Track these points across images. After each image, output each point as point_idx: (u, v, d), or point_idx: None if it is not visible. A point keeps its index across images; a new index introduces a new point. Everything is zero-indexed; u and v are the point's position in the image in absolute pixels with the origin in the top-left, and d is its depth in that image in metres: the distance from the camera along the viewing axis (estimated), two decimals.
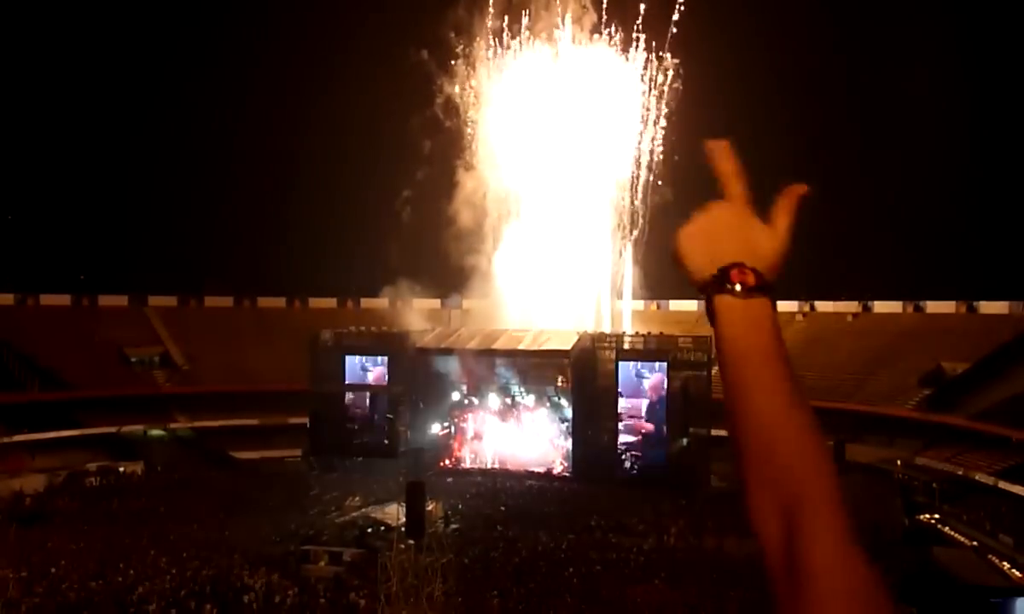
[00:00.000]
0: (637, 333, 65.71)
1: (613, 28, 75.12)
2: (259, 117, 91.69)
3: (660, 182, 74.71)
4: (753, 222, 1.99)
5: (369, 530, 44.89)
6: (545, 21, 75.99)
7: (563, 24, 75.92)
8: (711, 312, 1.95)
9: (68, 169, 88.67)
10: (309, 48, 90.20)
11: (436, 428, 66.65)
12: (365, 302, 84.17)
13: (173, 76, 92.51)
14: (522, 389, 66.23)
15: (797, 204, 2.01)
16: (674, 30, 73.40)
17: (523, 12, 75.76)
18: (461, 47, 75.40)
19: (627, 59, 75.26)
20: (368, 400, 69.10)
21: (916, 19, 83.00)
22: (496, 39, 76.05)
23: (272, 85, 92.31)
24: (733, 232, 1.98)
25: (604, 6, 74.93)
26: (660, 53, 74.48)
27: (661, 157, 74.92)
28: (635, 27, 74.48)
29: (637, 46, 74.75)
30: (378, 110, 77.16)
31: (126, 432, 68.88)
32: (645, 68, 74.95)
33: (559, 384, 65.51)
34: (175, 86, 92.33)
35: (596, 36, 75.60)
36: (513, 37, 76.24)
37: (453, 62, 75.28)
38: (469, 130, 75.79)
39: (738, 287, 1.92)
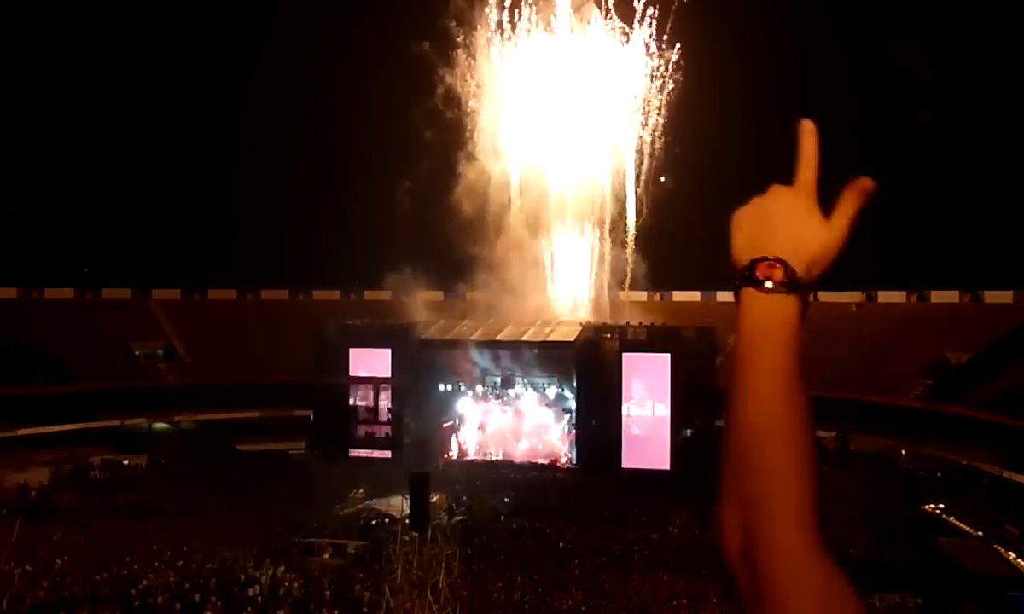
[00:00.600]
0: (641, 324, 65.61)
1: (613, 17, 75.08)
2: (261, 109, 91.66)
3: (663, 177, 74.57)
4: (810, 213, 1.95)
5: (373, 522, 44.92)
6: (545, 11, 75.87)
7: (558, 16, 75.83)
8: (736, 301, 1.92)
9: (71, 162, 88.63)
10: (311, 39, 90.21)
11: (440, 420, 66.64)
12: (369, 294, 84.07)
13: (173, 68, 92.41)
14: (526, 380, 66.19)
15: (862, 199, 1.97)
16: (670, 23, 73.40)
17: (523, 2, 75.66)
18: (462, 38, 75.28)
19: (625, 44, 75.21)
20: (372, 392, 69.05)
21: (920, 4, 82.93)
22: (497, 29, 75.96)
23: (274, 77, 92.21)
24: (783, 222, 1.96)
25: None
26: (660, 43, 74.46)
27: (662, 147, 74.83)
28: (635, 18, 74.43)
29: (636, 34, 74.72)
30: (380, 101, 77.17)
31: (130, 425, 68.97)
32: (647, 56, 74.90)
33: (563, 375, 65.49)
34: (175, 78, 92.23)
35: (596, 25, 75.49)
36: (513, 27, 76.14)
37: (453, 52, 75.15)
38: (470, 120, 75.65)
39: (768, 283, 1.88)
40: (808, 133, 2.01)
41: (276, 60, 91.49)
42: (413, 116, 70.64)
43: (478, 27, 75.37)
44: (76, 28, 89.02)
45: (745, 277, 1.91)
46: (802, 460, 1.73)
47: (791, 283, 1.88)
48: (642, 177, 75.56)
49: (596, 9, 75.10)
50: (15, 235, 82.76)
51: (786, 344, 1.84)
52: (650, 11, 73.92)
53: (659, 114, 75.06)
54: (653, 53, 74.75)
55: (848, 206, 1.95)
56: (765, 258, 1.90)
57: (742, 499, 1.73)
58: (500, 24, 75.65)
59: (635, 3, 74.32)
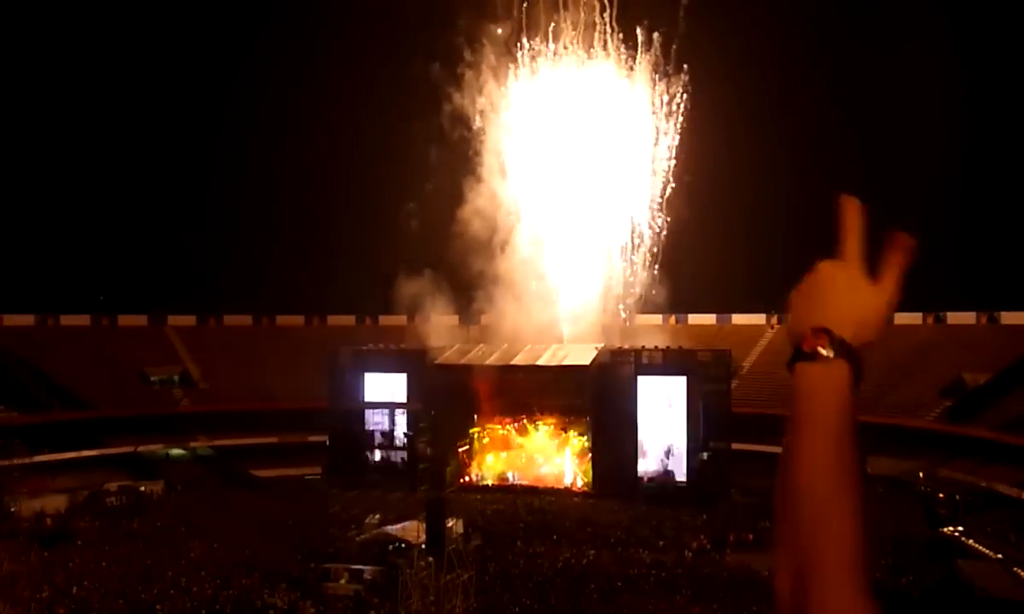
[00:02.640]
0: (656, 347, 65.51)
1: (621, 45, 75.30)
2: (276, 138, 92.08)
3: (671, 187, 74.58)
4: (857, 280, 2.01)
5: (390, 547, 44.82)
6: (554, 37, 76.16)
7: (570, 41, 76.05)
8: (792, 373, 1.97)
9: (88, 190, 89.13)
10: (326, 66, 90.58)
11: (456, 444, 66.58)
12: (383, 319, 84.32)
13: (188, 97, 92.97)
14: (542, 404, 66.07)
15: (906, 257, 2.04)
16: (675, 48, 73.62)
17: (531, 28, 75.99)
18: (471, 57, 75.41)
19: (633, 70, 75.39)
20: (387, 417, 69.05)
21: (933, 23, 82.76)
22: (508, 55, 76.21)
23: (289, 106, 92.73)
24: (831, 293, 2.00)
25: (611, 21, 75.09)
26: (670, 68, 74.61)
27: (674, 172, 74.87)
28: (642, 45, 74.69)
29: (641, 60, 74.92)
30: (392, 127, 77.28)
31: (146, 451, 69.09)
32: (656, 83, 75.05)
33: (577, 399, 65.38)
34: (191, 106, 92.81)
35: (604, 53, 75.73)
36: (522, 53, 76.41)
37: (462, 72, 75.25)
38: (481, 145, 75.74)
39: (822, 351, 1.93)
40: (851, 207, 2.05)
41: (291, 90, 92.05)
42: (426, 141, 70.89)
43: (487, 47, 75.56)
44: (91, 58, 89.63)
45: (796, 351, 1.97)
46: (850, 514, 1.80)
47: (839, 349, 1.94)
48: (656, 201, 75.59)
49: (606, 34, 75.29)
50: (31, 262, 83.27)
51: (838, 410, 1.92)
52: (658, 36, 74.14)
53: (670, 139, 75.18)
54: (663, 78, 74.94)
55: (894, 266, 2.03)
56: (812, 330, 1.96)
57: (793, 547, 1.79)
58: (509, 47, 75.97)
59: (640, 29, 74.58)
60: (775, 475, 1.91)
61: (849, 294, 1.99)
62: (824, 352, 1.93)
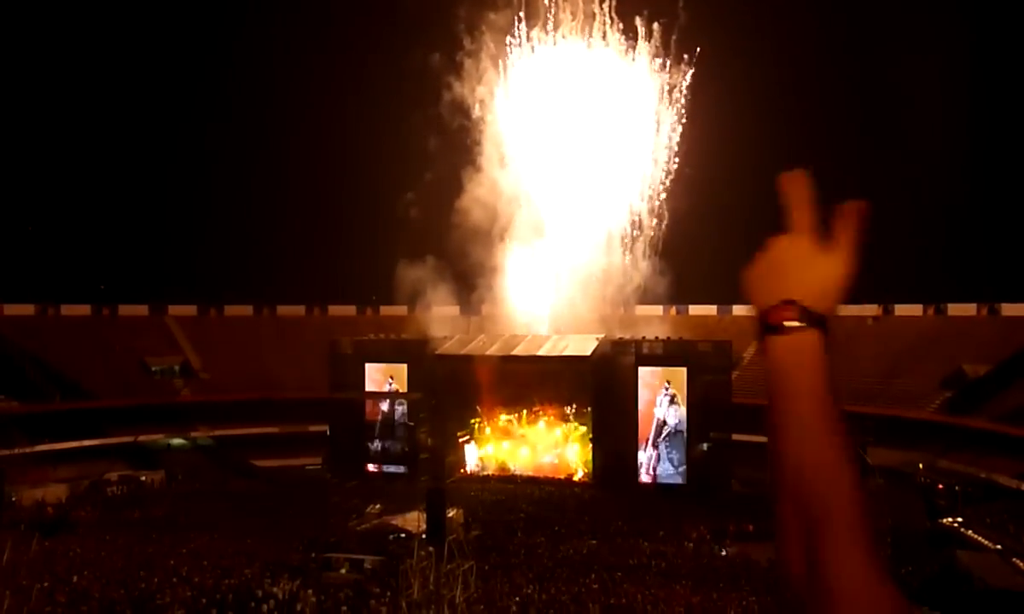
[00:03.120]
0: (656, 338, 65.51)
1: (621, 36, 75.13)
2: (278, 127, 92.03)
3: (670, 178, 74.49)
4: (811, 250, 2.03)
5: (390, 537, 44.88)
6: (553, 26, 76.02)
7: (569, 31, 75.87)
8: (764, 351, 2.01)
9: (88, 179, 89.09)
10: (327, 57, 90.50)
11: (456, 434, 66.63)
12: (384, 309, 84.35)
13: (191, 87, 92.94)
14: (542, 394, 66.12)
15: (858, 222, 2.04)
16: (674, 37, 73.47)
17: (530, 17, 75.88)
18: (471, 44, 75.25)
19: (634, 59, 75.20)
20: (388, 407, 69.12)
21: (934, 19, 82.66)
22: (508, 41, 76.08)
23: (290, 95, 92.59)
24: (787, 266, 2.05)
25: (611, 11, 74.95)
26: (672, 58, 74.48)
27: (674, 162, 74.74)
28: (644, 33, 74.51)
29: (641, 47, 74.75)
30: (393, 117, 77.20)
31: (147, 441, 69.15)
32: (656, 73, 74.89)
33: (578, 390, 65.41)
34: (192, 96, 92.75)
35: (604, 43, 75.58)
36: (523, 39, 76.28)
37: (461, 60, 75.10)
38: (481, 134, 75.64)
39: (786, 323, 1.98)
40: (796, 180, 2.07)
41: (292, 79, 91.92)
42: (421, 127, 70.82)
43: (486, 35, 75.42)
44: (92, 49, 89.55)
45: (764, 326, 2.01)
46: (848, 471, 1.86)
47: (806, 317, 1.98)
48: (655, 190, 75.49)
49: (606, 24, 75.10)
50: (32, 252, 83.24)
51: (814, 370, 1.95)
52: (659, 25, 74.00)
53: (671, 129, 75.05)
54: (663, 68, 74.80)
55: (845, 233, 2.03)
56: (777, 304, 2.01)
57: (799, 519, 1.84)
58: (509, 36, 75.87)
59: (640, 20, 74.40)
60: (767, 455, 1.95)
61: (806, 265, 2.02)
62: (792, 323, 1.97)
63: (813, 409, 1.91)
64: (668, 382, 62.62)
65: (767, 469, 1.95)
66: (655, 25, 73.96)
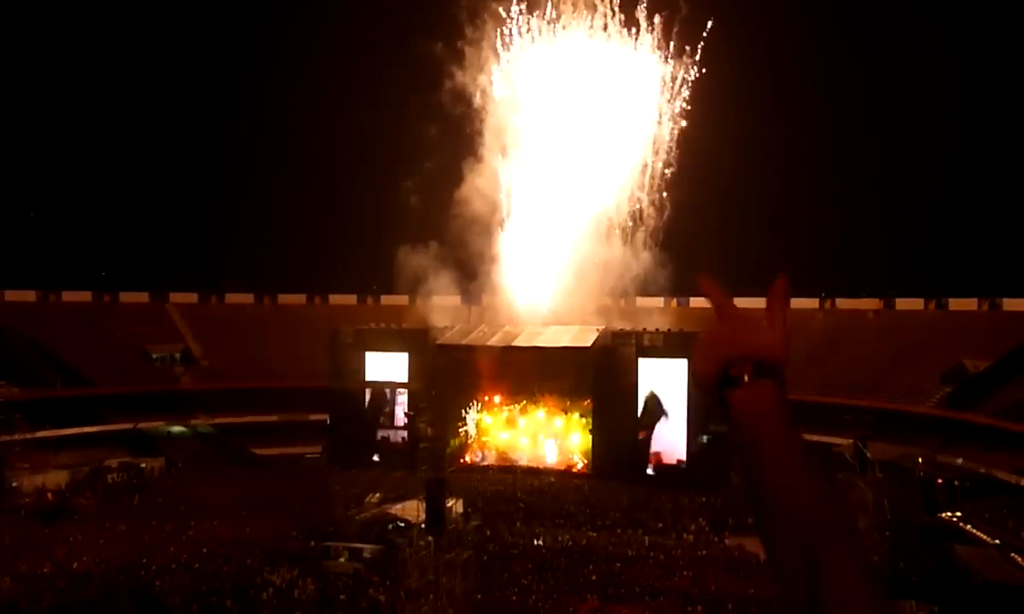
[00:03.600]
0: (657, 330, 65.48)
1: (624, 23, 74.96)
2: (280, 116, 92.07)
3: (671, 169, 74.36)
4: (748, 323, 2.31)
5: (389, 526, 44.91)
6: (556, 13, 75.87)
7: (573, 18, 75.70)
8: (724, 407, 2.26)
9: (89, 167, 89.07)
10: (327, 45, 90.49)
11: (456, 425, 66.69)
12: (385, 299, 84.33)
13: (190, 74, 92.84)
14: (542, 385, 66.12)
15: (782, 296, 2.35)
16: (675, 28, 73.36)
17: (531, 7, 75.77)
18: (472, 32, 75.09)
19: (635, 50, 75.03)
20: (388, 396, 69.16)
21: (932, 11, 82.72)
22: (508, 29, 75.92)
23: (292, 84, 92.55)
24: (733, 337, 2.31)
25: (611, 2, 74.78)
26: (667, 53, 74.35)
27: (676, 154, 74.60)
28: (646, 25, 74.34)
29: (643, 38, 74.64)
30: (394, 105, 77.08)
31: (147, 428, 69.18)
32: (663, 62, 74.77)
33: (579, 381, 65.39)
34: (192, 84, 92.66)
35: (605, 34, 75.46)
36: (524, 29, 76.14)
37: (462, 48, 74.89)
38: (482, 123, 75.50)
39: (744, 378, 2.24)
40: (708, 287, 2.37)
41: (293, 66, 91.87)
42: (422, 116, 70.66)
43: (488, 23, 75.24)
44: (93, 36, 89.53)
45: (723, 382, 2.27)
46: (835, 502, 2.05)
47: (761, 369, 2.24)
48: (656, 181, 75.36)
49: (607, 16, 74.92)
50: (33, 239, 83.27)
51: (780, 414, 2.20)
52: (660, 18, 73.83)
53: (672, 121, 74.96)
54: (664, 60, 74.65)
55: (773, 307, 2.32)
56: (733, 360, 2.26)
57: (797, 554, 1.99)
58: (510, 24, 75.73)
59: (641, 11, 74.23)
60: (749, 499, 2.16)
61: (747, 332, 2.29)
62: (747, 377, 2.23)
63: (783, 446, 2.13)
64: None
65: (752, 511, 2.15)
66: (656, 17, 73.87)
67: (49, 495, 54.54)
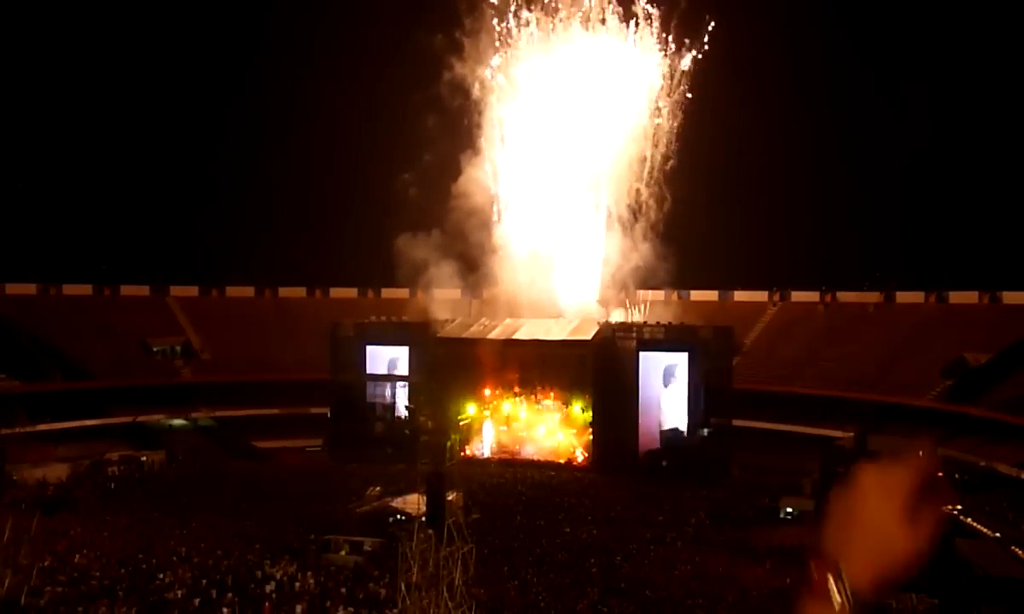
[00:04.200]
0: (658, 323, 65.49)
1: (623, 17, 74.80)
2: (281, 109, 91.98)
3: (671, 162, 74.24)
4: (895, 514, 1.98)
5: (390, 520, 44.92)
6: (556, 6, 75.72)
7: (571, 12, 75.52)
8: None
9: (90, 159, 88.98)
10: (328, 37, 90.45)
11: (457, 417, 66.64)
12: (386, 292, 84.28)
13: (190, 69, 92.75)
14: (543, 378, 66.05)
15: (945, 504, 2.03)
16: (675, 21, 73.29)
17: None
18: (472, 24, 74.94)
19: (636, 43, 74.88)
20: (389, 390, 69.17)
21: (931, 10, 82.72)
22: (506, 22, 75.75)
23: (291, 79, 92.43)
24: (862, 522, 1.98)
25: None
26: (667, 47, 74.22)
27: (676, 147, 74.45)
28: (644, 17, 74.21)
29: (643, 31, 74.48)
30: (393, 98, 77.00)
31: (148, 421, 69.23)
32: (663, 56, 74.62)
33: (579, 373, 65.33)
34: (192, 78, 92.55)
35: (604, 27, 75.29)
36: (523, 21, 76.01)
37: (462, 40, 74.67)
38: (480, 116, 75.40)
39: (833, 594, 1.96)
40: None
41: (296, 61, 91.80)
42: (421, 108, 70.61)
43: (486, 15, 75.06)
44: (93, 30, 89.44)
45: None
46: None
47: (847, 601, 1.94)
48: (656, 174, 75.25)
49: (604, 8, 74.74)
50: (34, 232, 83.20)
51: None
52: (658, 10, 73.72)
53: (672, 114, 74.82)
54: (664, 53, 74.51)
55: (934, 510, 2.02)
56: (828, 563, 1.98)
57: None
58: (508, 15, 75.59)
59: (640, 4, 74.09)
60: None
61: (881, 526, 1.96)
62: (833, 594, 1.94)
63: None
64: None
65: None
66: (651, 8, 73.72)
67: (50, 488, 54.57)
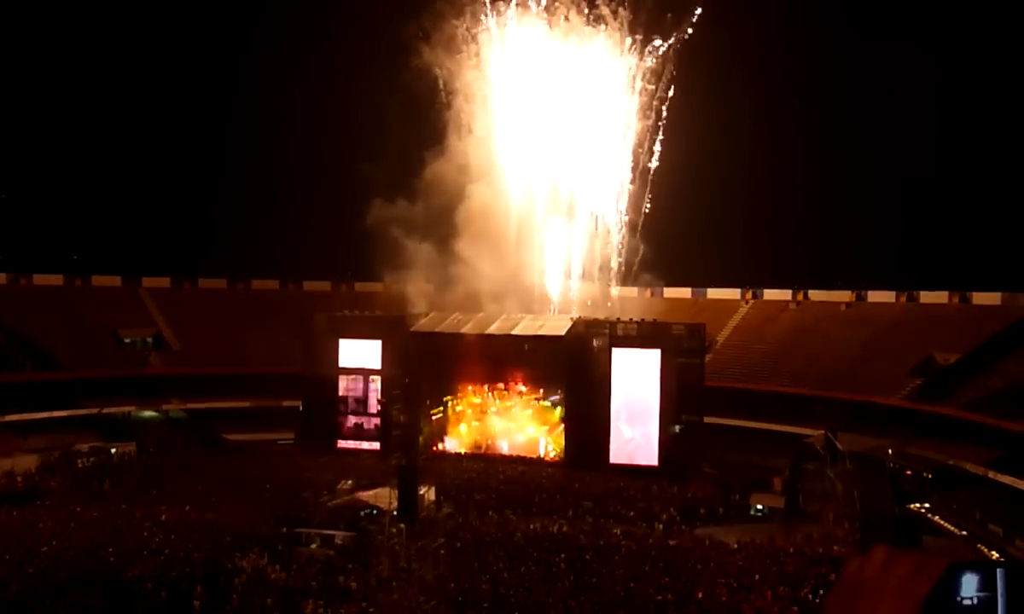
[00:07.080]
0: (631, 320, 65.64)
1: (600, 19, 74.81)
2: (252, 98, 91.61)
3: (650, 163, 74.42)
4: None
5: (361, 513, 44.94)
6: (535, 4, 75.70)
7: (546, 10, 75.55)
8: None
9: (62, 149, 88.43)
10: (304, 27, 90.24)
11: (429, 412, 66.63)
12: (359, 285, 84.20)
13: (162, 59, 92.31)
14: (516, 373, 66.12)
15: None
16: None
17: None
18: (462, 26, 74.81)
19: (613, 39, 74.97)
20: (361, 383, 69.06)
21: (911, 10, 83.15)
22: (483, 17, 75.72)
23: (266, 67, 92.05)
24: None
25: None
26: (646, 42, 74.31)
27: (654, 146, 74.64)
28: (627, 23, 74.27)
29: (623, 28, 74.58)
30: (367, 89, 76.72)
31: (118, 413, 68.91)
32: (640, 57, 74.74)
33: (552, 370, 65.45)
34: (166, 68, 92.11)
35: (592, 28, 75.31)
36: (499, 17, 75.97)
37: (439, 35, 74.51)
38: (456, 104, 75.35)
39: None
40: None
41: (269, 50, 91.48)
42: (397, 101, 70.38)
43: (467, 11, 74.99)
44: (68, 20, 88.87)
45: None
46: None
47: None
48: (632, 173, 75.43)
49: (585, 9, 74.76)
50: (4, 220, 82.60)
51: None
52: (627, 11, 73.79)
53: (653, 113, 74.95)
54: (645, 54, 74.62)
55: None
56: None
57: None
58: (488, 11, 75.55)
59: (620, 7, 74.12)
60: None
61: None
62: None
63: None
64: None
65: None
66: (624, 12, 73.85)
67: (18, 479, 54.27)
